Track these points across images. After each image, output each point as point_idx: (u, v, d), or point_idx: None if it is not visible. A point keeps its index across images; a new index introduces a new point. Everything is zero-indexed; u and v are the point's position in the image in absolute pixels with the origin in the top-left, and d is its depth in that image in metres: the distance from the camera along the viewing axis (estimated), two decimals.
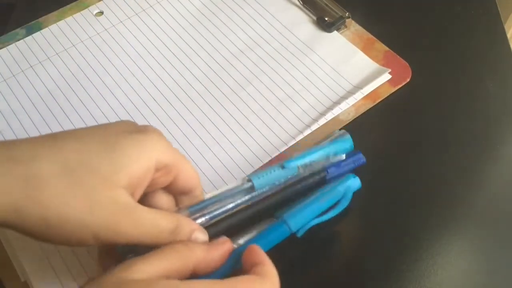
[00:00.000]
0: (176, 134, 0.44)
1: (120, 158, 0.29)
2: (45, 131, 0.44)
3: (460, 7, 0.54)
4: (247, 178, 0.37)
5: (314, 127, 0.44)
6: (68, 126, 0.44)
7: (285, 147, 0.43)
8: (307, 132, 0.44)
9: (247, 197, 0.37)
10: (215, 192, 0.36)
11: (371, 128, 0.45)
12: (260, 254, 0.31)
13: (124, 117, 0.45)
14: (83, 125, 0.45)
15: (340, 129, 0.44)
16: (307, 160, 0.38)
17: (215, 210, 0.35)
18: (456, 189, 0.42)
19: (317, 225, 0.37)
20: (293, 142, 0.43)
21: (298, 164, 0.38)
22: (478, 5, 0.54)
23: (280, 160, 0.43)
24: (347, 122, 0.45)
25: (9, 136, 0.44)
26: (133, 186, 0.30)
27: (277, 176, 0.37)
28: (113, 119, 0.45)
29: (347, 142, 0.39)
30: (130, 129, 0.31)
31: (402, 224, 0.40)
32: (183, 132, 0.44)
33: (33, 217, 0.27)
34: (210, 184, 0.41)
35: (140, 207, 0.30)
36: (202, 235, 0.33)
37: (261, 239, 0.35)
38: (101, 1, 0.53)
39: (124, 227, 0.29)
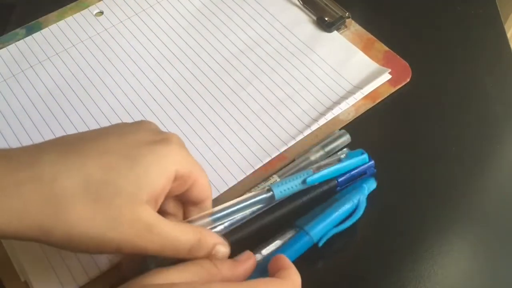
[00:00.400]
0: None
1: (142, 174, 0.29)
2: (45, 131, 0.44)
3: (460, 7, 0.54)
4: (267, 187, 0.37)
5: (314, 127, 0.44)
6: (68, 126, 0.44)
7: (285, 147, 0.43)
8: (307, 132, 0.44)
9: (265, 206, 0.38)
10: (235, 200, 0.37)
11: (371, 128, 0.45)
12: (283, 260, 0.32)
13: (124, 117, 0.45)
14: (83, 125, 0.45)
15: (340, 129, 0.44)
16: (327, 179, 0.39)
17: (234, 217, 0.36)
18: (456, 189, 0.42)
19: None
20: (293, 142, 0.43)
21: (319, 181, 0.39)
22: (478, 5, 0.54)
23: (281, 160, 0.43)
24: (347, 122, 0.45)
25: (9, 136, 0.44)
26: (155, 199, 0.30)
27: (297, 189, 0.38)
28: (113, 119, 0.45)
29: (364, 156, 0.40)
30: (152, 139, 0.31)
31: (402, 223, 0.40)
32: (183, 132, 0.44)
33: (58, 234, 0.28)
34: (210, 184, 0.41)
35: (163, 222, 0.30)
36: (223, 249, 0.33)
37: (284, 251, 0.36)
38: (101, 1, 0.53)
39: (145, 242, 0.29)
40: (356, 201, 0.38)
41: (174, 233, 0.30)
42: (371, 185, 0.40)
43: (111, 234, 0.28)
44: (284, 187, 0.38)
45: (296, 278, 0.31)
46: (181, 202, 0.34)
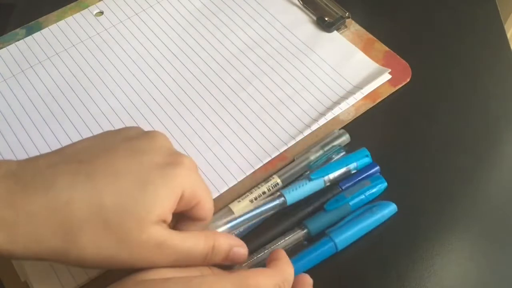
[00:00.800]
0: (176, 134, 0.44)
1: (152, 198, 0.30)
2: (45, 131, 0.44)
3: (460, 7, 0.54)
4: (278, 193, 0.39)
5: (314, 127, 0.44)
6: (68, 126, 0.44)
7: (285, 147, 0.43)
8: (307, 132, 0.44)
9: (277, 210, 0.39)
10: (249, 207, 0.38)
11: (371, 128, 0.45)
12: (278, 252, 0.33)
13: (124, 117, 0.45)
14: (83, 125, 0.45)
15: (340, 129, 0.44)
16: (330, 172, 0.40)
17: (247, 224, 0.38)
18: (456, 189, 0.42)
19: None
20: (293, 142, 0.43)
21: (323, 176, 0.40)
22: (478, 5, 0.54)
23: (281, 160, 0.43)
24: (347, 122, 0.45)
25: (9, 136, 0.44)
26: (163, 219, 0.31)
27: (306, 189, 0.39)
28: (113, 119, 0.45)
29: (364, 153, 0.41)
30: (163, 160, 0.31)
31: (402, 223, 0.40)
32: (183, 132, 0.44)
33: (72, 257, 0.29)
34: (210, 185, 0.41)
35: (174, 237, 0.31)
36: (241, 250, 0.34)
37: (307, 255, 0.37)
38: (101, 1, 0.53)
39: (158, 258, 0.30)
40: (384, 216, 0.39)
41: (186, 246, 0.31)
42: (381, 185, 0.41)
43: (123, 255, 0.29)
44: (293, 188, 0.39)
45: (287, 268, 0.32)
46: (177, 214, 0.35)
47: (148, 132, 0.34)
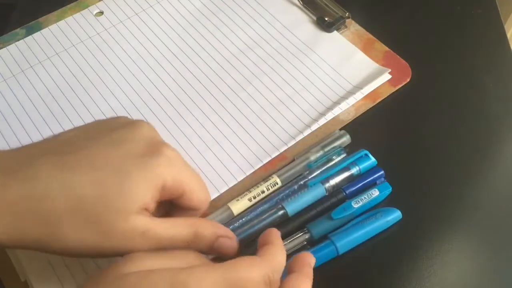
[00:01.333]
0: (176, 134, 0.44)
1: (133, 188, 0.30)
2: (45, 131, 0.44)
3: (460, 7, 0.54)
4: (279, 206, 0.39)
5: (314, 127, 0.44)
6: (68, 126, 0.44)
7: (285, 147, 0.43)
8: (307, 132, 0.44)
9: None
10: (249, 216, 0.39)
11: (371, 128, 0.45)
12: (270, 235, 0.32)
13: None
14: None
15: (340, 129, 0.44)
16: (330, 179, 0.40)
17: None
18: (456, 188, 0.42)
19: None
20: (293, 142, 0.43)
21: (321, 182, 0.40)
22: (478, 5, 0.54)
23: (281, 160, 0.43)
24: (347, 122, 0.45)
25: (9, 136, 0.44)
26: (145, 208, 0.30)
27: (308, 198, 0.39)
28: None
29: (368, 160, 0.41)
30: (144, 151, 0.31)
31: (401, 223, 0.40)
32: (183, 132, 0.44)
33: (55, 247, 0.29)
34: (210, 184, 0.41)
35: (156, 225, 0.30)
36: (228, 242, 0.33)
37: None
38: (101, 1, 0.53)
39: (142, 246, 0.30)
40: (388, 223, 0.39)
41: (169, 233, 0.31)
42: (386, 190, 0.40)
43: (106, 244, 0.29)
44: (294, 200, 0.39)
45: (277, 256, 0.31)
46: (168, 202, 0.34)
47: (133, 122, 0.33)
